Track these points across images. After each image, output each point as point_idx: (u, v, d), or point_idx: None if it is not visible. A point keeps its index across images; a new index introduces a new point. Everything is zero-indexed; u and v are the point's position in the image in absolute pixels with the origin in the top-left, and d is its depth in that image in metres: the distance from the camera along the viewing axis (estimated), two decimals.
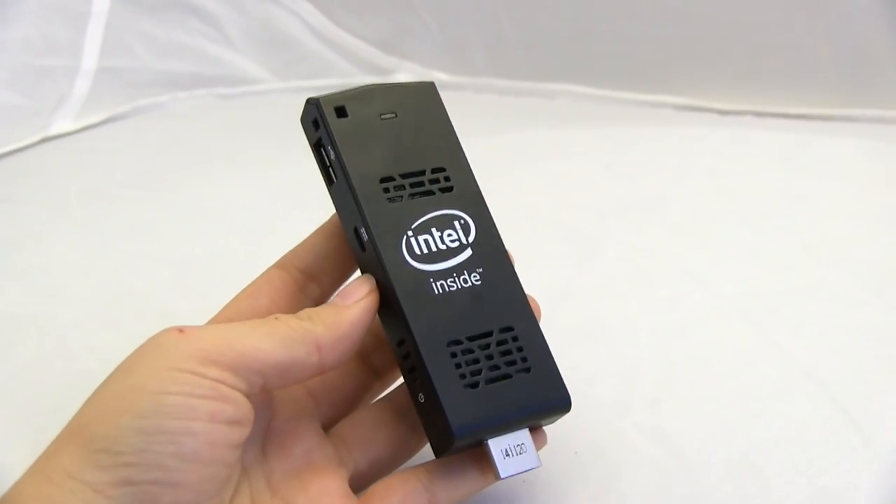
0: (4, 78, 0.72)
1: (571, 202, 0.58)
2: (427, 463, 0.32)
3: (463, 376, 0.31)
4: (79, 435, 0.28)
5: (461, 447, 0.31)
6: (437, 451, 0.31)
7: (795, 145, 0.64)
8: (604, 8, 0.80)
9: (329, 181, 0.33)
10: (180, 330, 0.29)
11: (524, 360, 0.32)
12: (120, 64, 0.79)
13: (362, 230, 0.32)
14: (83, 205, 0.61)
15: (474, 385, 0.31)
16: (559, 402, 0.32)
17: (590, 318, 0.46)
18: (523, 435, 0.31)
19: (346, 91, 0.34)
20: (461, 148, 0.34)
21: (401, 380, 0.34)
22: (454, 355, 0.31)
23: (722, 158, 0.63)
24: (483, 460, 0.32)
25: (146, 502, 0.27)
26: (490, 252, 0.33)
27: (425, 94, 0.35)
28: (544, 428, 0.33)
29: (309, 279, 0.34)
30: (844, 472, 0.36)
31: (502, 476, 0.31)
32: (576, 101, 0.80)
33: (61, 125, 0.75)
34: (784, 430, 0.38)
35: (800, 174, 0.60)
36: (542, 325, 0.45)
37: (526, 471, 0.31)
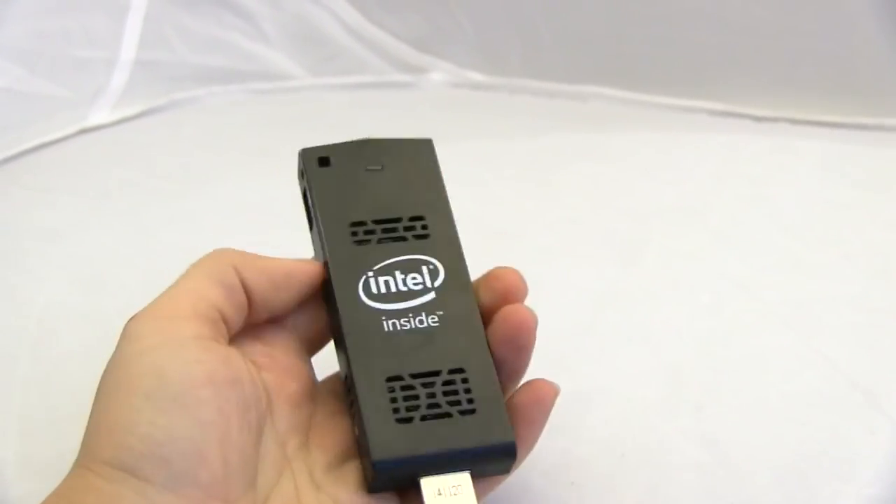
0: (45, 69, 0.72)
1: (611, 206, 0.58)
2: None
3: (396, 410, 0.30)
4: (102, 424, 0.28)
5: (390, 482, 0.30)
6: (368, 486, 0.31)
7: (833, 154, 0.64)
8: (639, 11, 0.79)
9: (310, 227, 0.35)
10: (132, 317, 0.30)
11: (470, 401, 0.31)
12: (157, 57, 0.80)
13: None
14: (123, 196, 0.62)
15: (407, 420, 0.30)
16: (502, 447, 0.30)
17: (633, 322, 0.46)
18: (462, 477, 0.30)
19: (338, 144, 0.35)
20: (447, 200, 0.34)
21: None
22: (391, 390, 0.31)
23: (761, 166, 0.62)
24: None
25: (187, 482, 0.28)
26: (455, 298, 0.33)
27: (419, 150, 0.35)
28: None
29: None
30: (893, 483, 0.36)
31: None
32: (609, 105, 0.80)
33: (98, 117, 0.75)
34: (831, 440, 0.38)
35: (839, 183, 0.60)
36: (583, 326, 0.45)
37: None
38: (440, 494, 0.30)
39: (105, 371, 0.30)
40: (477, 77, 0.84)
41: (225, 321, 0.31)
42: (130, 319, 0.30)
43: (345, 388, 0.32)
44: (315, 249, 0.35)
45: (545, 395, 0.32)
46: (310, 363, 0.34)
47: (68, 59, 0.75)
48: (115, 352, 0.30)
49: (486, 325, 0.33)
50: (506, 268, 0.33)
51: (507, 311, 0.32)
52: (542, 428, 0.32)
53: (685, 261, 0.51)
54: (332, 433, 0.33)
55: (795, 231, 0.54)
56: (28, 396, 0.43)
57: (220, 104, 0.81)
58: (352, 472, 0.31)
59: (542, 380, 0.32)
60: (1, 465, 0.38)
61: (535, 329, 0.32)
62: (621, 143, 0.68)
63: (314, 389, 0.34)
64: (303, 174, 0.35)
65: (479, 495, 0.30)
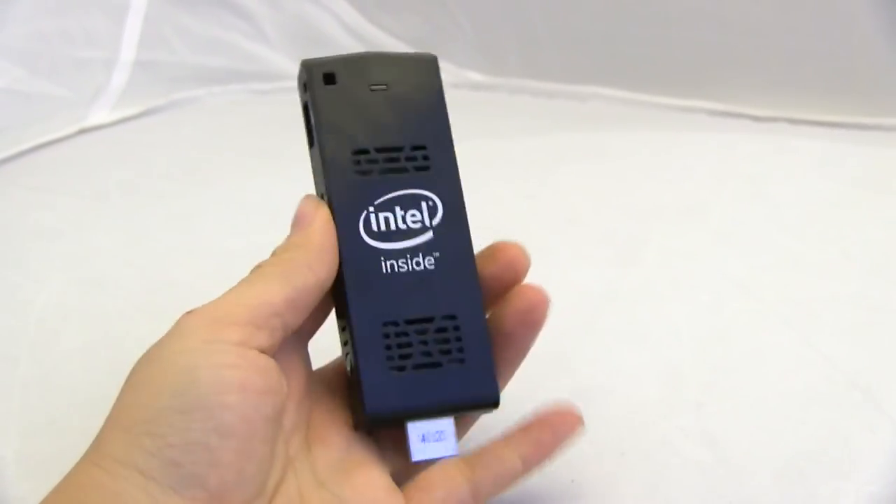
0: (45, 69, 0.73)
1: (610, 205, 0.58)
2: (468, 456, 0.32)
3: (391, 358, 0.31)
4: (120, 421, 0.28)
5: (377, 426, 0.32)
6: (355, 425, 0.32)
7: (832, 153, 0.64)
8: (639, 11, 0.80)
9: (310, 144, 0.33)
10: (189, 311, 0.30)
11: (460, 350, 0.32)
12: (157, 57, 0.80)
13: (325, 200, 0.32)
14: (123, 196, 0.62)
15: (400, 368, 0.31)
16: (486, 399, 0.32)
17: (632, 321, 0.46)
18: (445, 423, 0.31)
19: (342, 56, 0.33)
20: (449, 127, 0.34)
21: None
22: (387, 336, 0.31)
23: (760, 165, 0.63)
24: (523, 448, 0.32)
25: (195, 484, 0.27)
26: (452, 238, 0.32)
27: (424, 68, 0.34)
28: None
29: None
30: (893, 481, 0.36)
31: (414, 459, 0.31)
32: (608, 105, 0.80)
33: (98, 117, 0.76)
34: (830, 438, 0.38)
35: (839, 182, 0.60)
36: (584, 326, 0.45)
37: (441, 458, 0.31)
38: (424, 441, 0.31)
39: (141, 359, 0.29)
40: (476, 77, 0.85)
41: (283, 327, 0.30)
42: (187, 313, 0.30)
43: (340, 327, 0.32)
44: (314, 169, 0.33)
45: (572, 424, 0.33)
46: (307, 356, 0.34)
47: (68, 59, 0.75)
48: (160, 341, 0.29)
49: (490, 292, 0.33)
50: (508, 242, 0.34)
51: (523, 288, 0.33)
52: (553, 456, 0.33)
53: (685, 260, 0.51)
54: (332, 430, 0.33)
55: (795, 230, 0.54)
56: (28, 396, 0.43)
57: (220, 104, 0.81)
58: (355, 469, 0.31)
59: (572, 413, 0.33)
60: (1, 464, 0.38)
61: (548, 307, 0.33)
62: (621, 143, 0.68)
63: (311, 384, 0.33)
64: (305, 88, 0.33)
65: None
